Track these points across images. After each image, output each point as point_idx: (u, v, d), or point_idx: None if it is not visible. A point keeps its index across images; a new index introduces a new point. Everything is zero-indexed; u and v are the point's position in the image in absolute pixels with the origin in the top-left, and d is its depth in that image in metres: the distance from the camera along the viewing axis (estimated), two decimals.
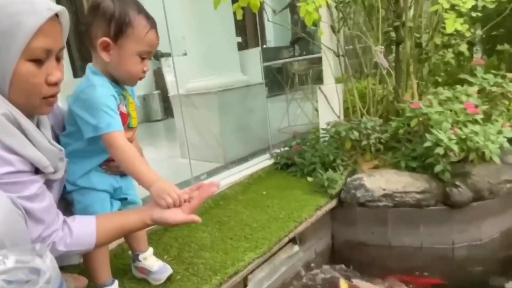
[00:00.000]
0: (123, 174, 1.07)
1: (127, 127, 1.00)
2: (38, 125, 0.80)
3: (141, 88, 6.12)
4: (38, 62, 0.71)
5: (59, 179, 0.86)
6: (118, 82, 1.00)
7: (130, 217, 0.88)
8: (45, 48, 0.71)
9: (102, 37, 0.90)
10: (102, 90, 0.92)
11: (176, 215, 0.85)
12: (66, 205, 0.99)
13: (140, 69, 0.96)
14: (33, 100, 0.73)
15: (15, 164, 0.67)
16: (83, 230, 0.81)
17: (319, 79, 3.91)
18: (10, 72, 0.68)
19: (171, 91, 5.47)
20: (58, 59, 0.76)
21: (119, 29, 0.89)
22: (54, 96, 0.77)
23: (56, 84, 0.76)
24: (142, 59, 0.95)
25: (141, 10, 0.93)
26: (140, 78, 0.99)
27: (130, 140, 1.05)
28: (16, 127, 0.69)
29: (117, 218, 0.89)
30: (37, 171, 0.74)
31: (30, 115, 0.75)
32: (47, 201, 0.75)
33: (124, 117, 0.99)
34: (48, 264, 0.54)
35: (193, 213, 0.88)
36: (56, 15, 0.72)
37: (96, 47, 0.92)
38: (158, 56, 6.09)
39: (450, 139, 1.54)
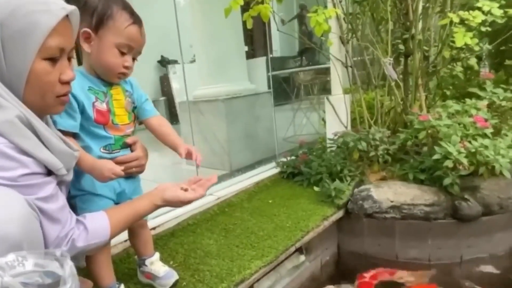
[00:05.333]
0: (127, 177, 1.06)
1: (112, 124, 0.99)
2: (47, 126, 0.81)
3: (147, 94, 6.15)
4: (52, 60, 0.72)
5: (69, 181, 0.86)
6: (102, 78, 1.00)
7: (139, 203, 0.92)
8: (59, 46, 0.72)
9: (85, 28, 0.92)
10: None
11: (187, 193, 0.94)
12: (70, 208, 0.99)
13: (119, 63, 0.95)
14: (47, 99, 0.74)
15: (30, 166, 0.68)
16: (96, 224, 0.82)
17: (325, 89, 3.94)
18: (26, 71, 0.69)
19: (177, 98, 5.51)
20: (69, 59, 0.77)
21: (100, 20, 0.92)
22: (66, 95, 0.78)
23: (68, 82, 0.77)
24: (122, 53, 0.95)
25: (127, 7, 0.95)
26: (122, 74, 0.98)
27: (132, 141, 1.05)
28: (30, 129, 0.70)
29: (126, 207, 0.92)
30: (49, 172, 0.75)
31: (41, 116, 0.76)
32: (61, 201, 0.76)
33: (104, 114, 0.98)
34: (68, 272, 0.54)
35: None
36: (67, 15, 0.73)
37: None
38: (164, 63, 6.16)
39: (459, 152, 1.53)
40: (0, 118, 0.65)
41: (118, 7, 0.93)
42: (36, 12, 0.67)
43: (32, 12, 0.67)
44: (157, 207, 0.93)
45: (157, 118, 1.13)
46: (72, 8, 0.73)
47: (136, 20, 0.95)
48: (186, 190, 0.95)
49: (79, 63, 1.04)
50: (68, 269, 0.54)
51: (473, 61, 2.16)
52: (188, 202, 0.94)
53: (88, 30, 0.92)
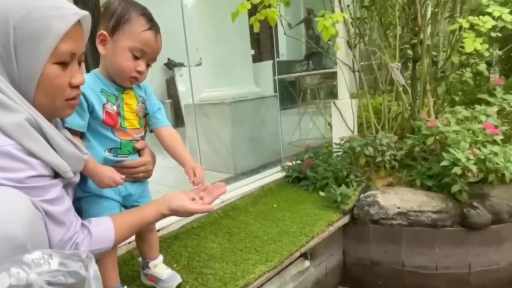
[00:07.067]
0: (134, 180, 1.07)
1: (120, 127, 0.99)
2: (56, 127, 0.81)
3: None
4: (63, 64, 0.73)
5: (76, 183, 0.86)
6: (115, 81, 1.00)
7: (146, 210, 0.91)
8: (70, 51, 0.72)
9: (102, 30, 0.93)
10: None
11: (195, 204, 0.92)
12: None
13: (132, 66, 0.95)
14: (57, 102, 0.75)
15: (37, 168, 0.68)
16: (101, 229, 0.81)
17: (331, 93, 3.92)
18: (37, 74, 0.69)
19: (183, 101, 5.53)
20: (79, 63, 0.78)
21: (117, 23, 0.92)
22: (75, 98, 0.79)
23: (77, 86, 0.77)
24: (135, 57, 0.95)
25: (145, 13, 0.95)
26: (134, 78, 0.98)
27: (141, 146, 1.05)
28: (39, 132, 0.70)
29: (132, 214, 0.91)
30: (56, 174, 0.75)
31: (50, 119, 0.76)
32: (67, 204, 0.75)
33: (112, 117, 0.98)
34: (92, 275, 0.53)
35: None
36: (79, 19, 0.74)
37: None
38: (171, 65, 6.19)
39: (468, 159, 1.51)
40: (10, 120, 0.66)
41: (136, 12, 0.94)
42: (49, 17, 0.68)
43: (45, 16, 0.68)
44: (164, 216, 0.92)
45: (168, 129, 1.12)
46: (84, 13, 0.74)
47: (153, 26, 0.95)
48: (193, 199, 0.93)
49: (88, 69, 1.05)
50: (93, 272, 0.54)
51: (482, 66, 2.13)
52: (195, 212, 0.94)
53: (104, 32, 0.93)
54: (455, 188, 1.56)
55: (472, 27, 1.76)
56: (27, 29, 0.67)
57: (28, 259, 0.42)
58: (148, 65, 1.00)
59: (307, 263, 1.55)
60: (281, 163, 2.39)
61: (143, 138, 1.09)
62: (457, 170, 1.51)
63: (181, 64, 6.07)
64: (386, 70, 2.16)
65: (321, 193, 1.88)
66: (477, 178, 1.56)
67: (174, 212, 0.91)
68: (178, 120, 5.90)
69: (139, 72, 0.97)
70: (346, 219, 1.72)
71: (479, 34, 1.79)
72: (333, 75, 3.66)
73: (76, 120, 0.91)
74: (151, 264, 1.19)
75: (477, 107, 1.81)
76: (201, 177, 1.00)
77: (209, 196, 0.96)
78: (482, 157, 1.52)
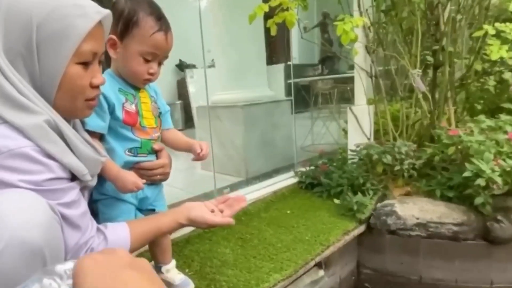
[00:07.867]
0: (150, 183, 1.04)
1: (139, 125, 0.98)
2: (75, 128, 0.79)
3: (164, 97, 6.18)
4: (85, 64, 0.71)
5: (92, 186, 0.84)
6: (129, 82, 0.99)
7: (163, 219, 0.88)
8: (92, 51, 0.70)
9: (111, 35, 0.90)
10: None
11: (214, 216, 0.88)
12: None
13: (144, 70, 0.94)
14: (77, 103, 0.73)
15: (55, 170, 0.66)
16: (117, 235, 0.79)
17: (344, 98, 3.87)
18: (60, 74, 0.68)
19: (194, 102, 5.52)
20: (99, 62, 0.76)
21: (125, 27, 0.90)
22: (94, 99, 0.77)
23: (97, 86, 0.75)
24: (146, 60, 0.93)
25: (154, 12, 0.91)
26: (148, 80, 0.97)
27: (159, 147, 1.03)
28: (57, 134, 0.68)
29: (149, 221, 0.88)
30: (73, 177, 0.73)
31: (69, 120, 0.75)
32: (83, 207, 0.73)
33: (132, 116, 0.96)
34: None
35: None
36: None
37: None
38: (182, 67, 6.20)
39: (493, 171, 1.45)
40: (29, 122, 0.64)
41: (144, 12, 0.90)
42: (72, 15, 0.66)
43: (68, 15, 0.66)
44: (181, 225, 0.88)
45: (172, 130, 1.14)
46: (106, 12, 0.72)
47: (163, 26, 0.92)
48: (212, 211, 0.90)
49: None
50: None
51: (508, 75, 2.06)
52: (214, 225, 0.89)
53: (114, 37, 0.91)
54: (478, 201, 1.50)
55: (498, 33, 1.71)
56: (50, 28, 0.65)
57: (60, 269, 0.39)
58: (160, 64, 0.98)
59: (321, 272, 1.50)
60: (294, 168, 2.35)
61: (158, 138, 1.07)
62: (481, 181, 1.45)
63: (193, 66, 6.08)
64: (404, 75, 2.11)
65: (336, 201, 1.84)
66: (502, 191, 1.50)
67: (192, 222, 0.88)
68: (188, 121, 5.90)
69: (151, 74, 0.96)
70: (362, 228, 1.67)
71: (504, 41, 1.73)
72: (346, 80, 3.61)
73: (97, 122, 0.89)
74: (163, 268, 1.16)
75: (502, 116, 1.75)
76: (207, 152, 1.06)
77: (229, 209, 0.92)
78: (508, 169, 1.46)
